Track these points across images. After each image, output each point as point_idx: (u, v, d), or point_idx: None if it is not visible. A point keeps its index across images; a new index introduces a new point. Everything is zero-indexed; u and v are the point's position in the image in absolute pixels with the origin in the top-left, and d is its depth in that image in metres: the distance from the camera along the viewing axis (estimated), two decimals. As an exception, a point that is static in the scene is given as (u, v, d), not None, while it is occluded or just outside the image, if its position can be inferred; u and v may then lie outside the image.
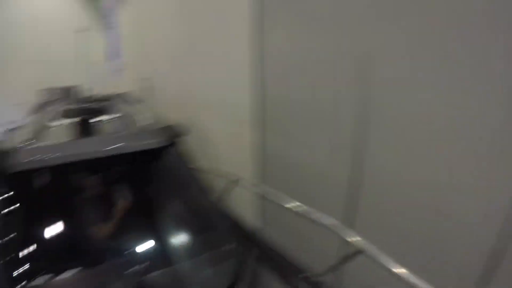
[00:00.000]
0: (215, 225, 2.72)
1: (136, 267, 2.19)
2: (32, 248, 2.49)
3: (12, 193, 2.59)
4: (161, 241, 2.48)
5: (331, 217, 2.38)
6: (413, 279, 1.73)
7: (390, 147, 2.65)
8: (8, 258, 2.30)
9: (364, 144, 2.86)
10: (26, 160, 2.40)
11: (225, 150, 5.11)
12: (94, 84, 8.26)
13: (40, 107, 4.84)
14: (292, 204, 2.68)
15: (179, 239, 2.67)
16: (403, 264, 1.82)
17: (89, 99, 4.51)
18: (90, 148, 2.52)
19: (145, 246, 2.46)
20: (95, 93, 5.65)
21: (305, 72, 3.37)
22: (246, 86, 4.27)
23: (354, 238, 2.12)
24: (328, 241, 3.17)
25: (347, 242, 2.23)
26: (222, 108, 5.08)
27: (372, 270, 2.00)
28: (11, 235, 2.41)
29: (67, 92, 9.33)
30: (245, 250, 2.61)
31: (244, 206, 3.39)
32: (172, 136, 2.80)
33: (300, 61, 3.48)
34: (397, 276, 1.75)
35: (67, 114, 3.36)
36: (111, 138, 2.82)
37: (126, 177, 2.96)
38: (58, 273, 2.33)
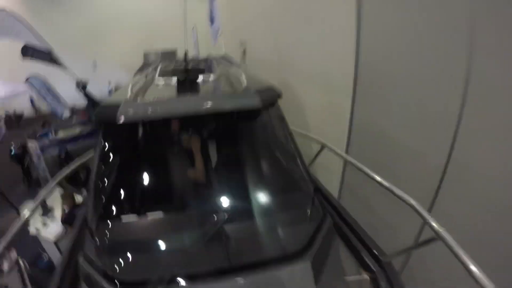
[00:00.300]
0: (300, 187, 2.81)
1: (218, 216, 2.35)
2: (128, 189, 2.81)
3: (119, 141, 2.95)
4: (246, 195, 2.61)
5: (411, 198, 2.34)
6: (483, 278, 1.67)
7: (485, 140, 2.56)
8: (106, 196, 2.65)
9: (459, 129, 2.75)
10: (134, 113, 2.66)
11: (314, 116, 5.14)
12: (194, 47, 8.68)
13: (144, 68, 5.26)
14: (376, 177, 2.70)
15: (264, 195, 2.80)
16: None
17: (190, 61, 4.77)
18: (192, 105, 2.70)
19: (230, 197, 2.61)
20: (194, 56, 6.00)
21: (404, 43, 3.26)
22: (342, 54, 4.23)
23: (434, 224, 2.07)
24: (402, 222, 3.10)
25: (425, 225, 2.17)
26: (314, 74, 5.09)
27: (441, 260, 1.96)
28: (113, 176, 2.74)
29: (168, 55, 10.00)
30: (323, 215, 2.67)
31: (325, 173, 3.46)
32: (268, 98, 2.88)
33: (399, 30, 3.36)
34: (470, 271, 1.74)
35: (169, 74, 3.63)
36: (212, 96, 2.98)
37: (222, 134, 3.16)
38: (146, 213, 2.59)
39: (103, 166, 2.77)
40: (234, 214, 2.37)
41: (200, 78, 3.35)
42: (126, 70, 13.15)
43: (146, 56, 10.79)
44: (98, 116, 2.78)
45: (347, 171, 4.66)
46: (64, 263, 2.51)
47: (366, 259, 2.42)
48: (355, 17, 3.84)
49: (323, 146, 3.53)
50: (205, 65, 4.47)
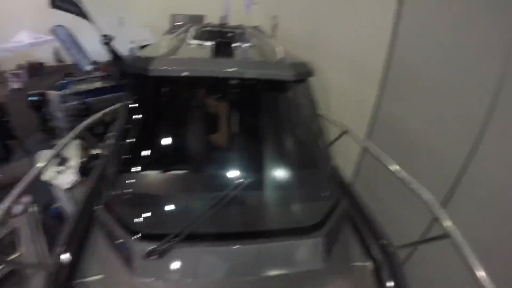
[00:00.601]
0: (319, 166, 2.86)
1: (237, 181, 2.42)
2: (151, 145, 2.93)
3: (147, 96, 3.02)
4: (265, 165, 2.69)
5: (428, 192, 2.37)
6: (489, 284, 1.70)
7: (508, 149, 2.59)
8: (129, 149, 2.75)
9: (486, 133, 2.78)
10: (167, 68, 2.72)
11: (337, 101, 5.18)
12: (225, 15, 8.63)
13: (173, 29, 5.29)
14: (394, 167, 2.71)
15: (283, 168, 2.86)
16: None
17: (222, 26, 4.78)
18: (226, 68, 2.75)
19: (250, 165, 2.68)
20: (226, 23, 5.99)
21: (440, 42, 3.28)
22: (375, 44, 4.25)
23: (447, 221, 2.12)
24: (415, 215, 3.16)
25: (436, 222, 2.19)
26: (343, 60, 5.11)
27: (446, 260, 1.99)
28: (138, 130, 2.85)
29: (196, 19, 9.97)
30: (339, 197, 2.72)
31: (340, 159, 3.51)
32: (302, 73, 2.92)
33: (438, 29, 3.38)
34: (475, 276, 1.76)
35: (203, 36, 3.66)
36: (247, 62, 3.03)
37: (251, 102, 3.22)
38: (166, 169, 2.71)
39: (128, 119, 2.85)
40: (251, 181, 2.43)
41: (235, 44, 3.39)
42: (151, 31, 13.22)
43: (173, 18, 10.78)
44: (130, 67, 2.85)
45: (363, 161, 4.70)
46: (79, 211, 2.62)
47: (372, 247, 2.45)
48: (395, 9, 3.84)
49: (344, 132, 3.56)
50: (238, 32, 4.50)
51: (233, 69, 2.71)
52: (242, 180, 2.39)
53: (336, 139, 3.58)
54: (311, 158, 2.96)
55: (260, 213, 2.41)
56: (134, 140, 2.83)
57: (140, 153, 2.85)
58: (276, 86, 3.09)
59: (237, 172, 2.62)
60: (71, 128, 8.26)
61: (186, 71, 2.71)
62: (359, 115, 4.68)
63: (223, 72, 2.70)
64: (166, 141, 3.02)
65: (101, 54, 10.62)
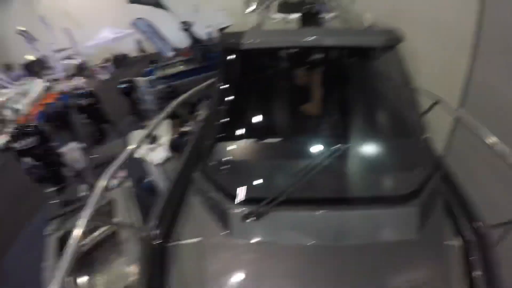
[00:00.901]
0: (413, 135, 2.84)
1: (331, 148, 2.48)
2: (246, 115, 3.13)
3: (240, 69, 3.20)
4: (359, 132, 2.72)
5: None
6: None
7: None
8: (226, 119, 2.97)
9: None
10: (259, 40, 2.88)
11: (424, 71, 5.02)
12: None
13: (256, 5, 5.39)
14: (491, 140, 2.56)
15: (378, 135, 2.92)
16: None
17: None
18: (316, 37, 2.82)
19: (345, 132, 2.71)
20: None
21: None
22: (464, 8, 4.01)
23: None
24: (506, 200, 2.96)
25: None
26: (430, 27, 4.90)
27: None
28: (233, 101, 3.04)
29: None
30: (434, 168, 2.66)
31: (435, 130, 3.43)
32: (391, 39, 2.91)
33: None
34: None
35: (287, 9, 3.78)
36: (335, 31, 3.07)
37: (341, 70, 3.28)
38: (262, 138, 2.90)
39: (223, 92, 3.05)
40: (346, 148, 2.47)
41: (321, 14, 3.46)
42: (227, 15, 13.52)
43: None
44: (222, 42, 3.04)
45: (455, 133, 4.51)
46: (175, 179, 2.88)
47: (463, 224, 2.38)
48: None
49: (436, 102, 3.46)
50: (320, 3, 4.54)
51: (322, 37, 2.77)
52: (337, 147, 2.40)
53: (428, 109, 3.49)
54: (405, 127, 2.95)
55: (355, 179, 2.43)
56: (230, 111, 3.01)
57: (236, 122, 3.01)
58: (366, 54, 3.11)
59: (331, 140, 2.65)
60: (159, 110, 8.90)
61: (276, 42, 2.85)
62: (448, 87, 4.48)
63: (312, 41, 2.77)
64: (260, 110, 3.16)
65: (181, 41, 11.22)
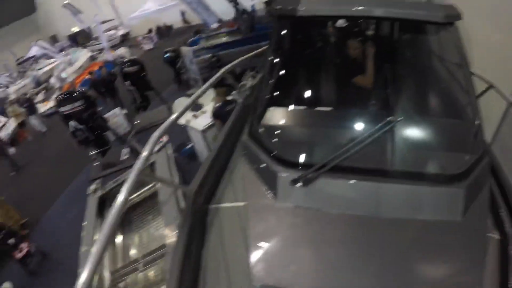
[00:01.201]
0: (466, 116, 2.72)
1: (382, 121, 2.39)
2: (298, 82, 3.07)
3: (294, 37, 3.14)
4: (410, 108, 2.62)
5: None
6: None
7: None
8: (277, 85, 2.89)
9: None
10: (315, 8, 2.82)
11: (480, 55, 4.76)
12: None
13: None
14: None
15: (430, 113, 2.84)
16: None
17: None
18: (374, 8, 2.72)
19: (396, 106, 2.63)
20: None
21: None
22: None
23: None
24: None
25: None
26: (488, 9, 4.60)
27: None
28: (284, 68, 2.97)
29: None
30: (483, 152, 2.54)
31: (485, 116, 3.25)
32: (450, 15, 2.78)
33: None
34: None
35: None
36: (392, 2, 2.96)
37: (397, 44, 3.17)
38: (312, 105, 2.84)
39: (276, 59, 3.01)
40: (398, 122, 2.39)
41: None
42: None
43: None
44: (277, 10, 3.00)
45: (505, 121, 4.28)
46: (219, 145, 2.89)
47: (503, 217, 2.27)
48: None
49: (489, 86, 3.30)
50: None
51: (381, 8, 2.66)
52: (389, 119, 2.35)
53: (481, 93, 3.30)
54: (458, 108, 2.82)
55: (404, 154, 2.36)
56: (282, 77, 2.95)
57: (288, 89, 2.96)
58: (424, 28, 2.98)
59: (381, 112, 2.57)
60: (203, 79, 8.95)
61: (333, 11, 2.76)
62: (504, 73, 4.22)
63: (371, 11, 2.67)
64: (311, 79, 3.10)
65: (225, 12, 11.35)
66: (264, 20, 9.92)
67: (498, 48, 4.36)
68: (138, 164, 2.08)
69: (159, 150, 4.53)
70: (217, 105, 5.37)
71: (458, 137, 2.61)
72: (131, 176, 1.98)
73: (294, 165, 2.32)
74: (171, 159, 4.18)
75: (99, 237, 1.59)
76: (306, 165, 2.27)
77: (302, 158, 2.38)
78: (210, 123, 5.76)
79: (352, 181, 2.23)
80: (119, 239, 3.96)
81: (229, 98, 5.34)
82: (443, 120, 2.78)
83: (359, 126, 2.57)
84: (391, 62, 3.00)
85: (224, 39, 9.92)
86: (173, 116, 2.70)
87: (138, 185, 2.71)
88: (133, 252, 3.67)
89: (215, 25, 10.93)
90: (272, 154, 2.42)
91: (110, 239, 1.64)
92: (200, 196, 2.44)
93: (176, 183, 2.52)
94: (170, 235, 2.97)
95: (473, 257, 2.02)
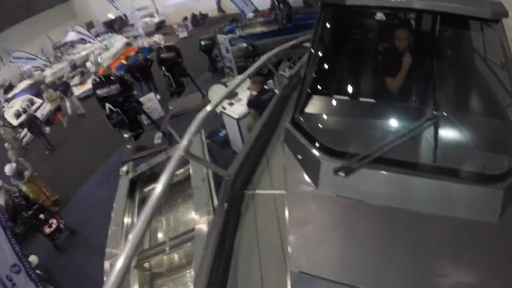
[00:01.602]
0: (507, 117, 2.63)
1: (423, 116, 2.34)
2: (342, 71, 3.12)
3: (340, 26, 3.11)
4: (452, 105, 2.57)
5: None
6: None
7: None
8: (321, 74, 2.88)
9: None
10: None
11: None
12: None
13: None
14: None
15: (472, 112, 2.80)
16: None
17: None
18: (422, 0, 2.69)
19: (439, 102, 2.58)
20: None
21: None
22: None
23: None
24: None
25: None
26: None
27: None
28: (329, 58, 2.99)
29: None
30: None
31: None
32: (498, 12, 2.68)
33: None
34: None
35: None
36: None
37: (442, 39, 3.09)
38: (355, 96, 2.86)
39: (319, 47, 2.98)
40: (441, 118, 2.34)
41: None
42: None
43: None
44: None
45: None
46: (257, 132, 2.86)
47: None
48: None
49: None
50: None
51: (431, 2, 2.61)
52: (433, 114, 2.30)
53: None
54: (502, 107, 2.73)
55: (445, 150, 2.33)
56: (325, 66, 2.97)
57: (334, 79, 2.98)
58: (470, 23, 2.89)
59: (425, 108, 2.53)
60: (238, 67, 8.95)
61: (381, 2, 2.71)
62: None
63: (420, 4, 2.62)
64: (355, 69, 3.11)
65: (262, 2, 11.45)
66: (301, 11, 9.89)
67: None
68: (176, 155, 2.08)
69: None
70: (253, 93, 5.35)
71: (500, 138, 2.55)
72: (167, 170, 1.99)
73: (337, 154, 2.30)
74: (204, 146, 4.17)
75: (138, 220, 1.59)
76: (349, 155, 2.25)
77: (345, 147, 2.35)
78: (246, 112, 5.76)
79: (393, 174, 2.20)
80: None
81: (265, 87, 5.31)
82: (486, 119, 2.74)
83: (402, 119, 2.55)
84: (436, 57, 2.93)
85: (260, 29, 9.93)
86: (213, 105, 2.70)
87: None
88: (160, 234, 3.68)
89: (251, 15, 10.90)
90: (315, 142, 2.40)
91: (150, 223, 1.62)
92: (237, 181, 2.43)
93: (216, 166, 2.52)
94: (200, 220, 2.95)
95: (508, 261, 1.95)
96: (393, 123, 2.56)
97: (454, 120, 2.46)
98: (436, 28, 2.91)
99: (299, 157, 2.49)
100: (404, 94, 2.91)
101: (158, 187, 1.82)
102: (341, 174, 2.21)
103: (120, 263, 1.35)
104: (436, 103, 2.45)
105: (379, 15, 3.31)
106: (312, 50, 2.96)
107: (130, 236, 1.47)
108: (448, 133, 2.42)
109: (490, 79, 2.95)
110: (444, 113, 2.35)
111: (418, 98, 2.84)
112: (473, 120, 2.69)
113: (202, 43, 10.26)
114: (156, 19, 24.71)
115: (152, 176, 4.37)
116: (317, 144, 2.38)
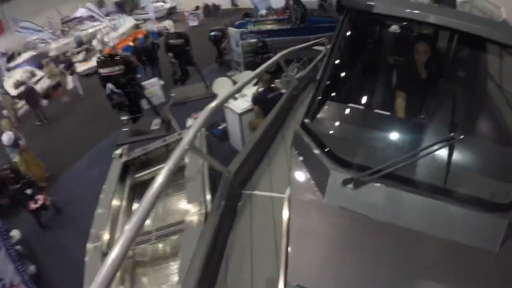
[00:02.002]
0: None
1: (438, 136, 2.31)
2: (356, 79, 3.05)
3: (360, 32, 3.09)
4: (466, 127, 2.54)
5: None
6: None
7: None
8: (335, 79, 2.85)
9: None
10: (391, 7, 2.74)
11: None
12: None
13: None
14: None
15: (487, 136, 2.76)
16: None
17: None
18: (450, 18, 2.65)
19: (453, 122, 2.56)
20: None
21: None
22: None
23: None
24: None
25: None
26: None
27: None
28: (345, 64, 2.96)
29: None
30: None
31: None
32: None
33: None
34: None
35: None
36: (469, 17, 2.88)
37: (463, 59, 3.06)
38: (369, 106, 2.82)
39: (338, 53, 2.94)
40: (454, 140, 2.31)
41: None
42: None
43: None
44: (351, 2, 2.92)
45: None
46: (262, 132, 2.81)
47: None
48: None
49: None
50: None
51: (461, 22, 2.58)
52: (449, 136, 2.26)
53: None
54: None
55: (456, 173, 2.31)
56: (342, 73, 2.94)
57: (347, 86, 2.93)
58: (492, 47, 2.86)
59: (442, 128, 2.52)
60: (246, 62, 8.89)
61: (411, 14, 2.68)
62: None
63: (451, 23, 2.59)
64: (372, 78, 3.07)
65: (276, 1, 11.36)
66: (315, 13, 9.74)
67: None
68: (180, 148, 2.01)
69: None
70: (260, 90, 5.30)
71: (508, 165, 2.53)
72: (175, 156, 1.93)
73: (347, 164, 2.26)
74: (202, 137, 4.11)
75: (138, 209, 1.53)
76: (359, 167, 2.21)
77: (356, 159, 2.32)
78: (249, 107, 5.72)
79: (401, 192, 2.16)
80: (135, 206, 3.93)
81: (273, 86, 5.26)
82: (500, 147, 2.71)
83: (416, 136, 2.50)
84: (456, 77, 2.91)
85: (272, 26, 9.94)
86: (220, 99, 2.63)
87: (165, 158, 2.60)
88: (147, 222, 3.64)
89: (263, 12, 10.88)
90: (326, 150, 2.35)
91: (149, 213, 1.57)
92: (236, 179, 2.40)
93: (217, 162, 2.47)
94: (192, 213, 2.90)
95: None
96: (407, 139, 2.53)
97: (469, 143, 2.44)
98: (456, 46, 2.89)
99: (307, 163, 2.43)
100: (421, 111, 2.86)
101: (160, 178, 1.76)
102: (350, 186, 2.15)
103: (115, 252, 1.28)
104: (453, 124, 2.43)
105: (394, 27, 3.28)
106: (330, 55, 2.92)
107: (127, 226, 1.40)
108: (462, 157, 2.38)
109: (506, 106, 2.93)
110: (461, 136, 2.33)
111: (436, 117, 2.77)
112: (488, 146, 2.66)
113: (212, 33, 10.23)
114: (168, 5, 24.64)
115: (146, 162, 4.32)
116: (327, 152, 2.33)
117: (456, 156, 2.31)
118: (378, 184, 2.15)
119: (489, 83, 3.16)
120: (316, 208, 2.20)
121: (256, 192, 2.45)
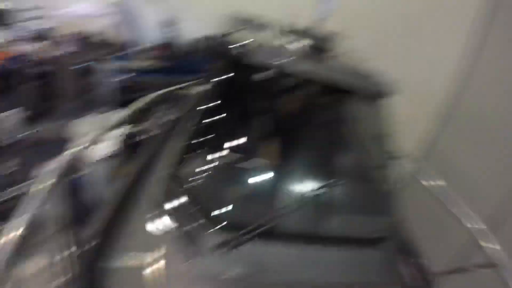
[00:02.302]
0: (376, 185, 2.87)
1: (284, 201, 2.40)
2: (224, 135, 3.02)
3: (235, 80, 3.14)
4: (327, 175, 2.69)
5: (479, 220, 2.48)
6: None
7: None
8: (202, 136, 2.85)
9: None
10: (263, 57, 2.81)
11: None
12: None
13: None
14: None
15: (345, 179, 2.86)
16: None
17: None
18: (320, 71, 2.81)
19: (297, 183, 2.67)
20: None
21: None
22: (448, 78, 4.37)
23: (493, 247, 2.20)
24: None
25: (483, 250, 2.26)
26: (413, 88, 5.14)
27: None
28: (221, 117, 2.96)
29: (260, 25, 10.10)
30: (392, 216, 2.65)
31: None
32: (384, 90, 2.93)
33: None
34: None
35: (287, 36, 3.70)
36: (339, 70, 3.07)
37: (328, 110, 3.23)
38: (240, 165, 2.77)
39: (210, 100, 3.03)
40: (314, 195, 2.41)
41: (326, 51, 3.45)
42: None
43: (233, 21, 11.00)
44: (223, 48, 2.96)
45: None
46: (124, 186, 2.70)
47: (406, 271, 2.43)
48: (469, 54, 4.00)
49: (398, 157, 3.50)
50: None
51: (326, 75, 2.75)
52: (304, 195, 2.37)
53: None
54: (372, 177, 2.95)
55: (318, 218, 2.42)
56: (214, 124, 2.93)
57: (219, 136, 2.93)
58: (357, 99, 3.09)
59: (302, 177, 2.72)
60: (113, 101, 8.49)
61: (281, 65, 2.78)
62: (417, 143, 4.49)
63: (313, 73, 2.74)
64: (245, 128, 3.08)
65: (155, 37, 11.07)
66: (197, 54, 9.73)
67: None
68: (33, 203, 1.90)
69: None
70: (126, 133, 4.99)
71: (371, 203, 2.77)
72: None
73: (217, 223, 2.20)
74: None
75: None
76: (233, 227, 2.15)
77: (228, 217, 2.28)
78: (112, 152, 5.26)
79: (265, 246, 2.16)
80: None
81: (139, 128, 5.00)
82: (357, 185, 2.92)
83: (286, 190, 2.62)
84: (319, 127, 3.07)
85: (146, 64, 9.61)
86: (78, 146, 2.51)
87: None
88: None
89: (143, 46, 10.57)
90: (194, 206, 2.29)
91: None
92: (93, 251, 2.12)
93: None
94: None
95: None
96: (280, 194, 2.56)
97: (325, 186, 2.51)
98: (323, 97, 3.05)
99: (175, 221, 2.27)
100: (286, 159, 2.91)
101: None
102: (223, 249, 2.04)
103: None
104: (313, 173, 2.51)
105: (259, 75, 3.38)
106: (202, 101, 2.88)
107: None
108: (325, 202, 2.50)
109: (361, 148, 3.12)
110: (329, 181, 2.47)
111: (298, 168, 2.90)
112: (350, 186, 2.81)
113: (77, 66, 9.55)
114: (43, 25, 22.74)
115: None
116: (195, 209, 2.25)
117: (318, 202, 2.43)
118: (249, 245, 2.07)
119: (344, 130, 3.37)
120: (181, 277, 2.03)
121: (118, 264, 2.14)
